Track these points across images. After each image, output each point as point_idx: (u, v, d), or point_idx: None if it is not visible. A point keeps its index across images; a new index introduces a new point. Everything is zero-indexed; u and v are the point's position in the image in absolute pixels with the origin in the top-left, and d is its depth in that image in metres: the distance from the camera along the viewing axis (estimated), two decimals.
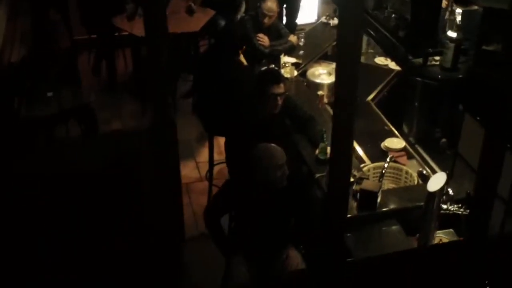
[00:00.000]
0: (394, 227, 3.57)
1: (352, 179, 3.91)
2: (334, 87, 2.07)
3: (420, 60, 3.58)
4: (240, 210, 3.81)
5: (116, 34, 7.12)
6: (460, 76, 3.55)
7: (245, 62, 5.55)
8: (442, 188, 3.26)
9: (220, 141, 5.33)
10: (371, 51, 5.69)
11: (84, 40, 7.28)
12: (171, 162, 2.30)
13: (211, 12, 6.97)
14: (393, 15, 3.75)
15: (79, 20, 7.14)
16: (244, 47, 5.43)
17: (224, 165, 4.87)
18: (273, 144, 3.59)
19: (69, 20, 6.93)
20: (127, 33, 6.77)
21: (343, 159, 2.02)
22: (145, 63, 6.95)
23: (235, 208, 3.82)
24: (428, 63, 3.58)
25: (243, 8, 7.01)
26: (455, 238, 3.52)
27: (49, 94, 5.19)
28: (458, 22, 3.56)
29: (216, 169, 5.30)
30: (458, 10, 3.61)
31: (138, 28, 6.64)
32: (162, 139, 2.23)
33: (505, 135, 2.83)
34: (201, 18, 6.84)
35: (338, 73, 1.87)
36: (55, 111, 5.05)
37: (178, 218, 2.73)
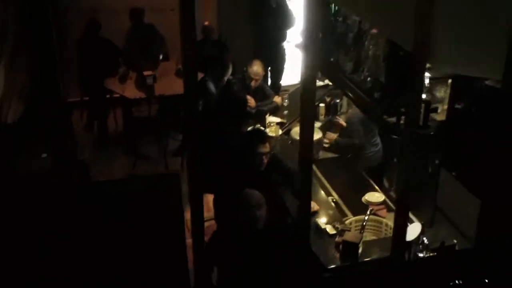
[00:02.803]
0: None
1: (335, 231, 4.14)
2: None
3: (394, 119, 3.85)
4: (227, 260, 3.97)
5: (108, 95, 7.40)
6: (432, 132, 3.83)
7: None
8: (417, 238, 3.49)
9: (209, 198, 5.52)
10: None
11: (77, 101, 7.57)
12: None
13: (200, 75, 7.26)
14: (369, 78, 4.04)
15: (75, 83, 7.43)
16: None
17: (213, 221, 5.03)
18: (251, 190, 3.84)
19: (62, 81, 7.20)
20: (118, 94, 7.06)
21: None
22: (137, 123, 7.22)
23: (223, 258, 3.99)
24: (401, 121, 3.86)
25: (230, 71, 7.34)
26: None
27: (43, 155, 5.38)
28: (426, 85, 3.87)
29: (205, 225, 5.44)
30: (427, 74, 3.93)
31: (129, 90, 6.94)
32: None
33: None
34: None
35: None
36: (49, 168, 5.23)
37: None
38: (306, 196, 2.31)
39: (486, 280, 2.15)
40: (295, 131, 5.71)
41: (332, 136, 5.60)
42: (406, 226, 3.19)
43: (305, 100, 2.23)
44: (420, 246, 3.54)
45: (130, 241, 2.39)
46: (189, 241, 5.60)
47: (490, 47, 2.00)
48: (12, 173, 5.03)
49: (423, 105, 3.75)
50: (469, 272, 2.21)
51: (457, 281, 2.43)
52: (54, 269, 2.49)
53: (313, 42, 1.98)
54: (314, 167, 5.31)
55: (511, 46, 1.88)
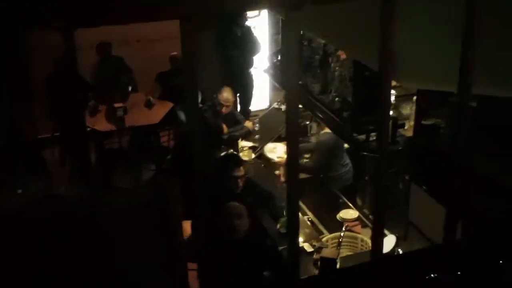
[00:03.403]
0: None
1: (312, 249, 4.23)
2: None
3: (363, 136, 3.99)
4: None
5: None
6: (400, 148, 3.97)
7: None
8: (392, 250, 3.60)
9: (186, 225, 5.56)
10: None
11: (48, 137, 7.56)
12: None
13: (170, 104, 7.35)
14: (337, 98, 4.18)
15: (45, 117, 7.42)
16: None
17: None
18: (233, 202, 3.99)
19: (33, 116, 7.21)
20: (89, 128, 7.07)
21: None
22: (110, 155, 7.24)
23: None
24: (370, 138, 3.99)
25: (199, 99, 7.44)
26: None
27: (19, 191, 5.37)
28: (392, 102, 4.04)
29: None
30: (393, 92, 4.09)
31: (99, 123, 6.97)
32: None
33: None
34: (160, 110, 7.21)
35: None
36: (25, 204, 5.21)
37: None
38: (294, 229, 2.37)
39: (460, 273, 2.25)
40: (269, 149, 5.81)
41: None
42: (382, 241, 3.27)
43: (290, 125, 2.29)
44: None
45: (128, 250, 2.41)
46: None
47: (448, 58, 2.12)
48: None
49: (390, 122, 3.90)
50: (444, 265, 2.29)
51: (432, 275, 2.51)
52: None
53: (291, 63, 2.06)
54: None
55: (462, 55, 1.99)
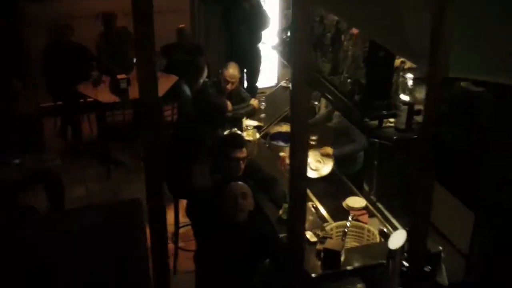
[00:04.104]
0: (358, 285, 3.64)
1: (315, 239, 4.01)
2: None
3: (376, 122, 3.75)
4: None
5: (82, 100, 7.23)
6: (415, 136, 3.73)
7: None
8: (403, 246, 3.37)
9: (185, 203, 5.38)
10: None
11: (49, 106, 7.38)
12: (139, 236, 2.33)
13: (174, 78, 7.13)
14: (349, 80, 3.93)
15: (45, 87, 7.26)
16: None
17: (190, 227, 4.90)
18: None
19: (32, 88, 7.04)
20: (92, 99, 6.88)
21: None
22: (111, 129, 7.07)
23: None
24: (383, 124, 3.75)
25: (205, 74, 7.20)
26: None
27: (16, 161, 5.19)
28: (410, 86, 3.77)
29: (181, 231, 5.32)
30: (409, 75, 3.83)
31: (102, 95, 6.77)
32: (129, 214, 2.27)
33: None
34: (164, 84, 6.98)
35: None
36: (20, 176, 5.04)
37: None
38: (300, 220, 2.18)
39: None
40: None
41: (328, 150, 5.07)
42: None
43: (296, 113, 2.08)
44: (405, 254, 3.42)
45: (87, 277, 2.24)
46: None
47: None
48: None
49: (405, 107, 3.65)
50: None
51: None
52: None
53: (302, 41, 1.85)
54: None
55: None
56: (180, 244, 5.25)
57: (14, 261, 2.25)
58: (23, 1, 7.39)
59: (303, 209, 2.25)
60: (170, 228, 5.53)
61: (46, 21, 7.50)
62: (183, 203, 5.44)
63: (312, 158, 4.92)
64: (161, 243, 2.37)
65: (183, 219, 5.30)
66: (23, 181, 5.11)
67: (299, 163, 2.17)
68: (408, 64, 4.03)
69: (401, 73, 3.94)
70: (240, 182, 3.86)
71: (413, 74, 3.78)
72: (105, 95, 6.79)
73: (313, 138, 5.20)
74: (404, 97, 3.76)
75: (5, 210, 4.82)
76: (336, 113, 5.05)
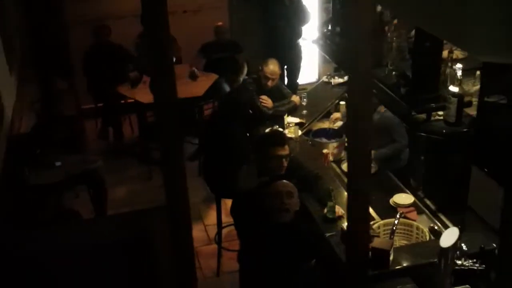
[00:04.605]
0: (408, 285, 3.50)
1: None
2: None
3: (424, 115, 3.60)
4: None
5: (122, 101, 7.25)
6: (465, 129, 3.57)
7: None
8: (455, 244, 3.22)
9: (228, 203, 5.31)
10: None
11: (91, 108, 7.44)
12: (185, 238, 2.25)
13: (214, 76, 7.08)
14: (394, 72, 3.79)
15: (86, 89, 7.31)
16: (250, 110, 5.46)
17: (233, 227, 4.84)
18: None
19: (75, 89, 7.09)
20: (132, 100, 6.89)
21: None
22: (152, 129, 7.06)
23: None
24: (432, 118, 3.61)
25: (245, 71, 7.12)
26: None
27: (58, 163, 5.21)
28: (459, 77, 3.61)
29: (224, 231, 5.26)
30: (458, 65, 3.67)
31: (141, 95, 6.76)
32: (176, 217, 2.19)
33: None
34: (204, 83, 6.95)
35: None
36: (62, 177, 5.06)
37: None
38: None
39: None
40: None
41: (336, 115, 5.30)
42: None
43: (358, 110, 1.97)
44: (458, 252, 3.27)
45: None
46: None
47: None
48: (25, 184, 4.90)
49: (455, 99, 3.49)
50: None
51: None
52: None
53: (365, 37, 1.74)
54: (336, 166, 5.06)
55: None
56: (224, 244, 5.19)
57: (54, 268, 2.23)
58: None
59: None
60: (213, 228, 5.49)
61: (91, 21, 7.52)
62: (225, 202, 5.39)
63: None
64: (184, 251, 2.28)
65: (225, 219, 5.24)
66: (66, 183, 5.12)
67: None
68: (456, 54, 3.87)
69: (449, 64, 3.79)
70: (285, 181, 3.78)
71: (462, 65, 3.61)
72: (145, 95, 6.78)
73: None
74: (453, 89, 3.60)
75: (48, 212, 4.83)
76: (377, 109, 4.90)
